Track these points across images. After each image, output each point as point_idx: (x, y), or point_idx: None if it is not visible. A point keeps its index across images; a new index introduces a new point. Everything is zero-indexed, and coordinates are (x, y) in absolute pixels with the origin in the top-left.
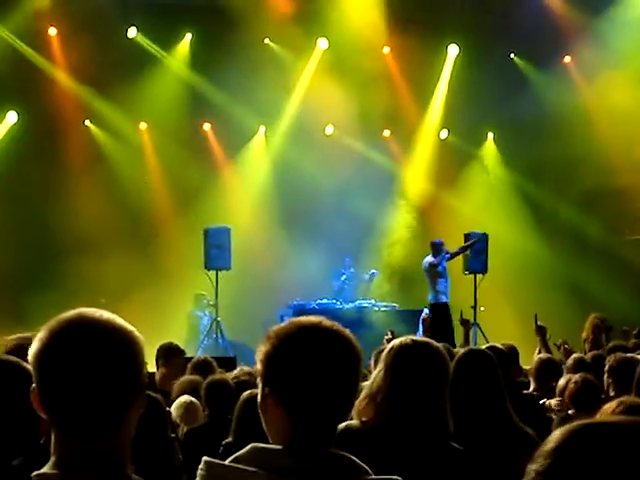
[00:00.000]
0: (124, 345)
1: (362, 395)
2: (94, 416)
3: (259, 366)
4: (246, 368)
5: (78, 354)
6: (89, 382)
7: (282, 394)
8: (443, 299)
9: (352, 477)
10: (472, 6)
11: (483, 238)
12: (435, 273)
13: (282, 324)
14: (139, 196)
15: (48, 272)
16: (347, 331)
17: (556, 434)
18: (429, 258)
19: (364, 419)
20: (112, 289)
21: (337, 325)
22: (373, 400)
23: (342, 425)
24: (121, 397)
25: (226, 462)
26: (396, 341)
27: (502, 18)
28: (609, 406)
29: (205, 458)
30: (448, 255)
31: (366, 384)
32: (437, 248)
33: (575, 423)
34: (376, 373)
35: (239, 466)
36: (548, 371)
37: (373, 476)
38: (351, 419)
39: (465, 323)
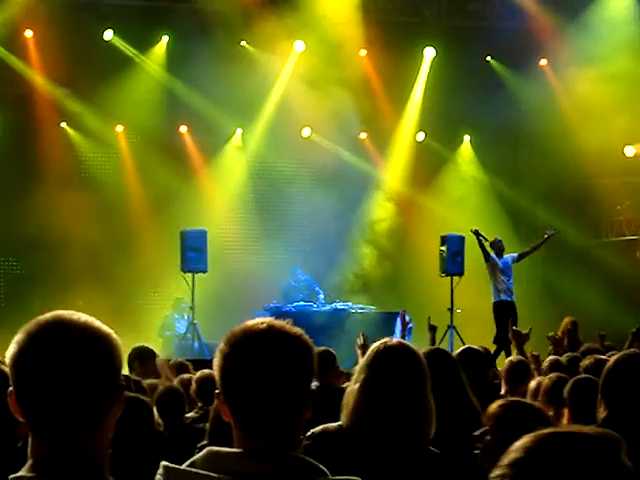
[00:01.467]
0: (101, 347)
1: (347, 394)
2: (71, 419)
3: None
4: None
5: (55, 356)
6: (66, 385)
7: (229, 400)
8: (497, 298)
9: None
10: (448, 9)
11: (554, 233)
12: (494, 271)
13: (232, 329)
14: (116, 198)
15: (23, 273)
16: (297, 332)
17: (518, 444)
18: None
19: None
20: (88, 291)
21: (287, 327)
22: (352, 403)
23: (319, 428)
24: (98, 400)
25: (182, 466)
26: (375, 344)
27: (478, 21)
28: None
29: (163, 463)
30: (515, 255)
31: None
32: (495, 246)
33: (537, 433)
34: (356, 376)
35: (193, 470)
36: (519, 373)
37: (330, 477)
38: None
39: (432, 329)
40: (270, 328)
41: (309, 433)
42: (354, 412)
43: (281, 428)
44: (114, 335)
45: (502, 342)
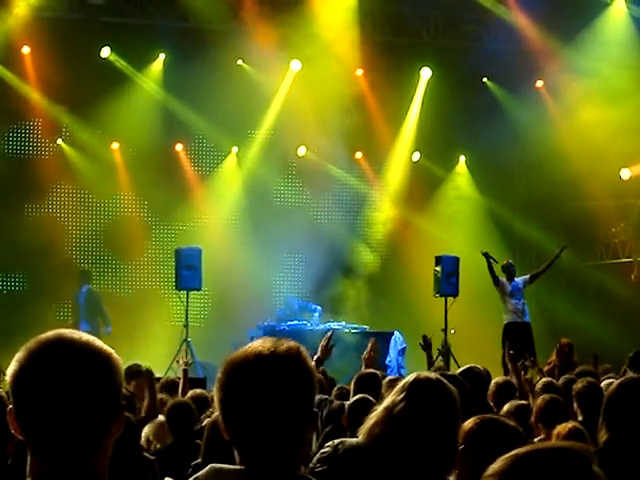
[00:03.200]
0: (102, 367)
1: (376, 418)
2: (71, 438)
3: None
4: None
5: (56, 375)
6: (66, 403)
7: (226, 420)
8: (506, 320)
9: None
10: (445, 30)
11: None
12: (502, 294)
13: (235, 352)
14: (110, 215)
15: (16, 290)
16: (294, 352)
17: (494, 467)
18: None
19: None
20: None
21: (291, 350)
22: (380, 428)
23: (342, 441)
24: (99, 419)
25: None
26: (414, 374)
27: (475, 42)
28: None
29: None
30: (527, 277)
31: (380, 407)
32: (505, 270)
33: (510, 455)
34: (388, 401)
35: None
36: (504, 395)
37: None
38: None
39: (427, 347)
40: (269, 354)
41: (330, 443)
42: (379, 436)
43: (284, 450)
44: (115, 355)
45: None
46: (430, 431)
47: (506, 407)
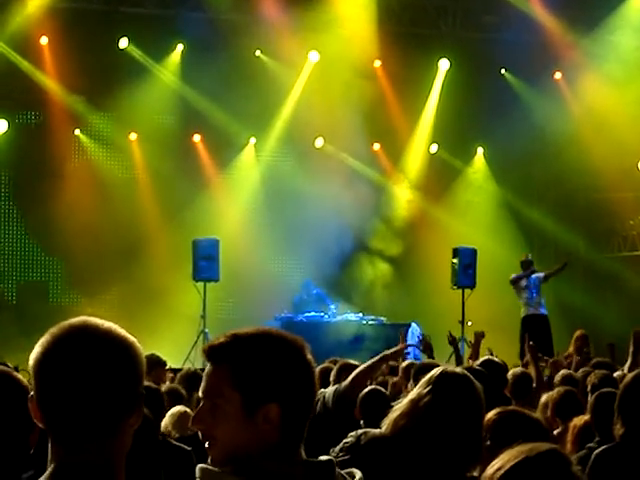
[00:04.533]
0: (125, 354)
1: (401, 410)
2: (91, 423)
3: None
4: None
5: (79, 360)
6: (88, 389)
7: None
8: (523, 313)
9: None
10: (463, 21)
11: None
12: (518, 289)
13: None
14: (128, 206)
15: (35, 279)
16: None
17: (496, 463)
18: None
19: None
20: (99, 298)
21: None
22: (413, 417)
23: (365, 431)
24: (119, 406)
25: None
26: (440, 368)
27: (493, 34)
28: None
29: (200, 465)
30: (542, 275)
31: (404, 400)
32: (523, 265)
33: (500, 463)
34: (415, 393)
35: (226, 472)
36: (522, 386)
37: None
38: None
39: (453, 342)
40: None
41: (353, 433)
42: (405, 427)
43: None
44: (137, 344)
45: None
46: (455, 425)
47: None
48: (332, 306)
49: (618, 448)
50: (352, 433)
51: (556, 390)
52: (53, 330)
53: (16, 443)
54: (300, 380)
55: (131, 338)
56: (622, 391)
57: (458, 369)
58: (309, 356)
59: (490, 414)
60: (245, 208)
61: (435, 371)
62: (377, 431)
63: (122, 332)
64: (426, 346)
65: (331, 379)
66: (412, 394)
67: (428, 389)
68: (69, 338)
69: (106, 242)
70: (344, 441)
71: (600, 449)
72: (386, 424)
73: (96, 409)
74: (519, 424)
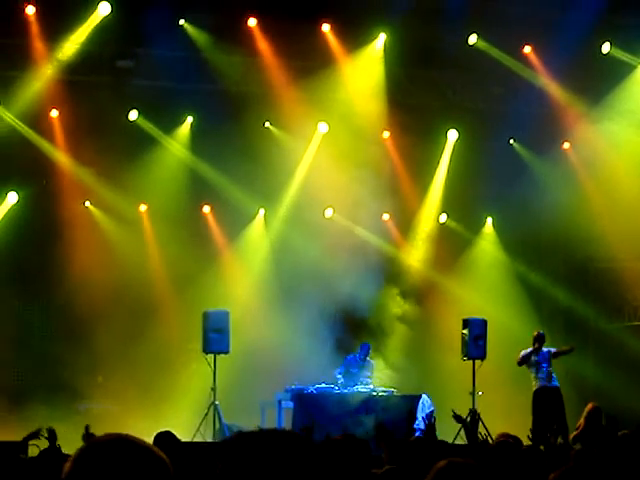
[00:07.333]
0: (160, 471)
1: None
2: None
3: None
4: None
5: (114, 474)
6: None
7: None
8: (535, 387)
9: None
10: (471, 92)
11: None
12: (529, 365)
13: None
14: (138, 278)
15: (48, 351)
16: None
17: None
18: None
19: None
20: (109, 368)
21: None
22: None
23: None
24: None
25: None
26: (441, 463)
27: (501, 104)
28: None
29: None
30: (553, 350)
31: None
32: (536, 340)
33: None
34: None
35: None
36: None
37: None
38: None
39: (458, 419)
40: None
41: None
42: None
43: None
44: (168, 462)
45: (538, 434)
46: None
47: None
48: (339, 376)
49: None
50: None
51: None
52: (88, 445)
53: None
54: None
55: (164, 456)
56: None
57: (457, 460)
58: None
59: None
60: (255, 279)
61: (439, 463)
62: None
63: (156, 449)
64: (457, 417)
65: None
66: None
67: None
68: (105, 450)
69: (116, 315)
70: None
71: None
72: None
73: None
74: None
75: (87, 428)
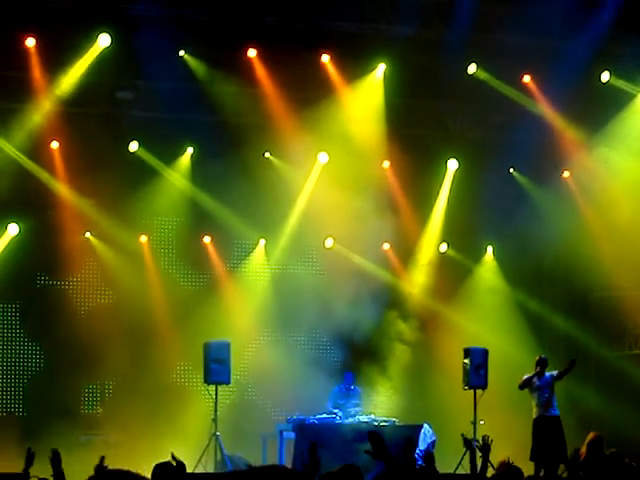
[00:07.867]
0: None
1: None
2: None
3: None
4: None
5: None
6: None
7: None
8: (535, 414)
9: None
10: (471, 122)
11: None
12: (530, 390)
13: None
14: (139, 308)
15: (50, 384)
16: None
17: None
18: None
19: None
20: (109, 400)
21: None
22: None
23: None
24: None
25: None
26: None
27: (501, 133)
28: None
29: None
30: (555, 372)
31: None
32: (538, 364)
33: None
34: None
35: None
36: None
37: None
38: None
39: (468, 444)
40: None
41: None
42: None
43: None
44: None
45: (539, 460)
46: None
47: None
48: (336, 410)
49: None
50: None
51: None
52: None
53: None
54: None
55: None
56: None
57: None
58: None
59: None
60: (256, 309)
61: None
62: None
63: None
64: (467, 443)
65: None
66: None
67: None
68: None
69: (116, 345)
70: None
71: None
72: None
73: None
74: None
75: (102, 460)
